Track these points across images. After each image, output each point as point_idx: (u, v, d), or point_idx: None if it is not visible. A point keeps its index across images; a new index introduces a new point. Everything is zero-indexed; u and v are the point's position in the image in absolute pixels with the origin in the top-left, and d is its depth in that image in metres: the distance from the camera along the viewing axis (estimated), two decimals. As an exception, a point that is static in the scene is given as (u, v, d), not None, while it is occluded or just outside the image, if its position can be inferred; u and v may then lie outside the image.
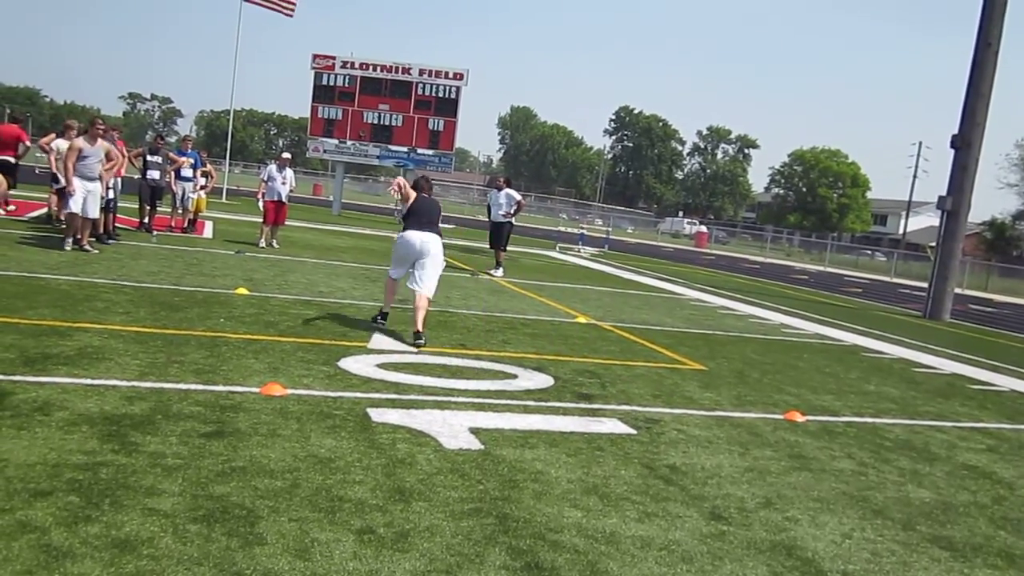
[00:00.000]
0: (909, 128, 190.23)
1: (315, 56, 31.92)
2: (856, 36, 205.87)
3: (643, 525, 4.18)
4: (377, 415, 5.47)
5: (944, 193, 20.49)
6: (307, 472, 4.30)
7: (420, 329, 8.11)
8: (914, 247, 64.90)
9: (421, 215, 8.54)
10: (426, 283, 8.39)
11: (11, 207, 16.44)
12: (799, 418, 6.96)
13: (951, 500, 5.31)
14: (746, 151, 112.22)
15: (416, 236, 8.41)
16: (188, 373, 5.94)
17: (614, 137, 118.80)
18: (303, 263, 14.04)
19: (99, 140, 11.90)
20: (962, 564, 4.24)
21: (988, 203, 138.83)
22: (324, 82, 32.03)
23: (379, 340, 8.04)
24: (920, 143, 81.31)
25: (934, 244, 22.08)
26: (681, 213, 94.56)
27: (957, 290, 22.84)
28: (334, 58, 31.93)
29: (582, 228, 35.93)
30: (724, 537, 4.17)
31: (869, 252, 60.90)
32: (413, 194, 8.62)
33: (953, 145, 20.39)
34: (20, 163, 14.84)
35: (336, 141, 32.48)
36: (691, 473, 5.13)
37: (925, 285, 21.81)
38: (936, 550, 4.38)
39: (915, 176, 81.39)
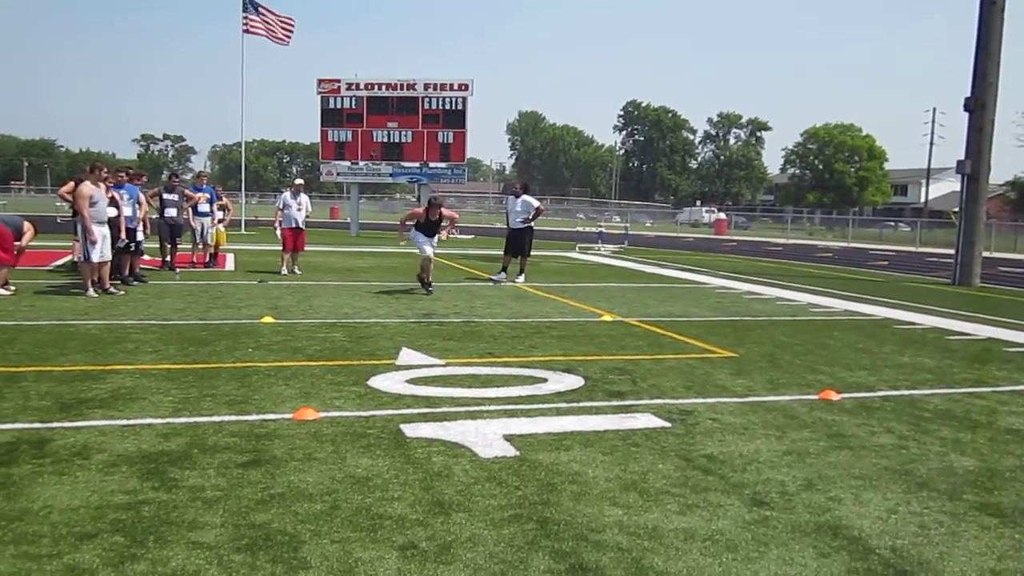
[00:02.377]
0: (922, 95, 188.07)
1: (320, 81, 32.09)
2: (858, 7, 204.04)
3: (685, 517, 4.15)
4: (410, 430, 5.49)
5: (962, 157, 20.27)
6: (345, 493, 4.32)
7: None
8: (937, 214, 64.20)
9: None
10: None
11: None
12: (835, 397, 6.90)
13: (996, 466, 5.23)
14: (758, 134, 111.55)
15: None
16: (221, 405, 5.99)
17: (624, 132, 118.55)
18: (325, 286, 14.12)
19: (102, 184, 12.04)
20: (1012, 530, 4.18)
21: (1009, 162, 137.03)
22: (331, 105, 32.19)
23: (407, 356, 8.07)
24: (934, 109, 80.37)
25: (957, 210, 21.82)
26: (699, 202, 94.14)
27: (985, 254, 22.53)
28: (339, 81, 32.09)
29: (600, 226, 35.85)
30: (768, 522, 4.13)
31: (892, 224, 60.30)
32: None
33: (967, 108, 20.16)
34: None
35: (348, 163, 32.61)
36: (729, 461, 5.10)
37: (952, 252, 21.54)
38: (985, 518, 4.32)
39: (932, 143, 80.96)
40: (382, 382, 6.88)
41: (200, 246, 17.05)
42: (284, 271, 16.02)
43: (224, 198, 18.77)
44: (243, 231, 31.37)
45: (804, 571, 3.61)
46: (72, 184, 15.36)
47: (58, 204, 21.00)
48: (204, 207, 16.78)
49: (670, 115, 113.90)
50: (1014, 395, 7.30)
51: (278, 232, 16.22)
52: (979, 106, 19.86)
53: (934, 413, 6.53)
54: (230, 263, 18.00)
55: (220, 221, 17.77)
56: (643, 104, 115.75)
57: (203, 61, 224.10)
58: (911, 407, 6.69)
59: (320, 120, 32.36)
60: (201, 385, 6.58)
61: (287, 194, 16.39)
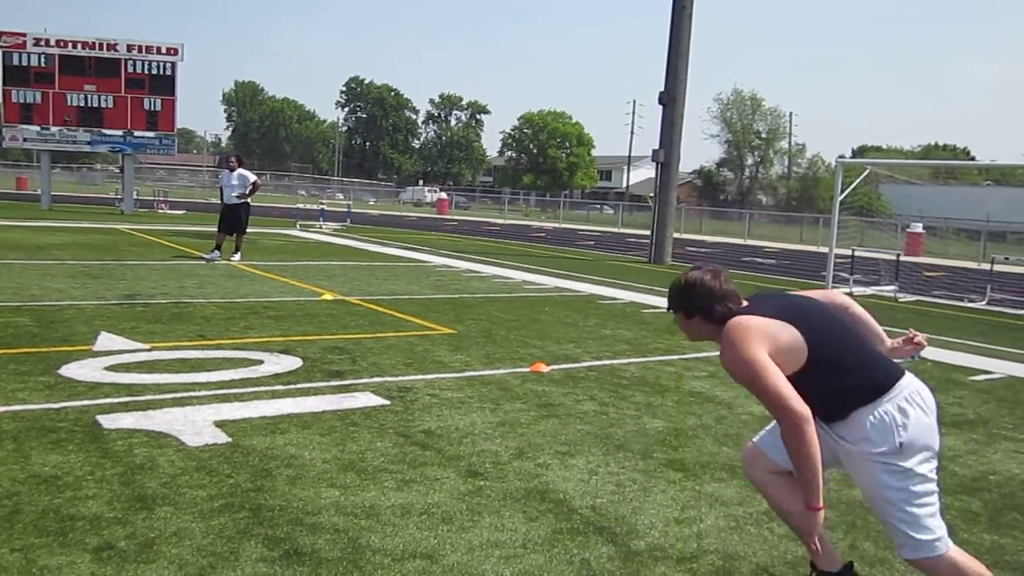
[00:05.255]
0: (626, 87, 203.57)
1: (1, 33, 28.50)
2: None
3: (402, 493, 4.20)
4: (108, 421, 5.05)
5: (657, 147, 22.21)
6: (30, 495, 3.89)
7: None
8: (637, 198, 70.04)
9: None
10: None
11: None
12: (544, 369, 7.29)
13: (681, 426, 5.81)
14: (478, 117, 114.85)
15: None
16: None
17: (347, 109, 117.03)
18: (9, 266, 12.61)
19: None
20: (694, 482, 4.66)
21: (697, 153, 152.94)
22: (16, 62, 28.70)
23: (106, 341, 7.42)
24: (634, 101, 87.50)
25: (653, 194, 23.91)
26: (421, 181, 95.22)
27: (676, 235, 24.94)
28: (25, 35, 28.67)
29: (322, 203, 35.15)
30: (481, 492, 4.29)
31: (598, 206, 64.93)
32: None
33: (661, 101, 22.09)
34: None
35: (37, 128, 29.27)
36: (446, 435, 5.22)
37: (648, 233, 23.61)
38: (671, 472, 4.79)
39: (632, 132, 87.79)
40: (76, 370, 6.28)
41: None
42: (-44, 248, 14.10)
43: None
44: (-97, 202, 27.18)
45: (514, 535, 3.78)
46: None
47: None
48: None
49: (393, 94, 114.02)
50: (697, 361, 8.15)
51: (-52, 204, 14.25)
52: (671, 101, 21.84)
53: (630, 380, 7.12)
54: None
55: None
56: (366, 81, 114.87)
57: None
58: (611, 375, 7.25)
59: (2, 78, 28.77)
60: None
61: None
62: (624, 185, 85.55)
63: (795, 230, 43.46)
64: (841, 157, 18.76)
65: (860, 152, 79.51)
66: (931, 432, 2.90)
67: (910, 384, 2.93)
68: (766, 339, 2.83)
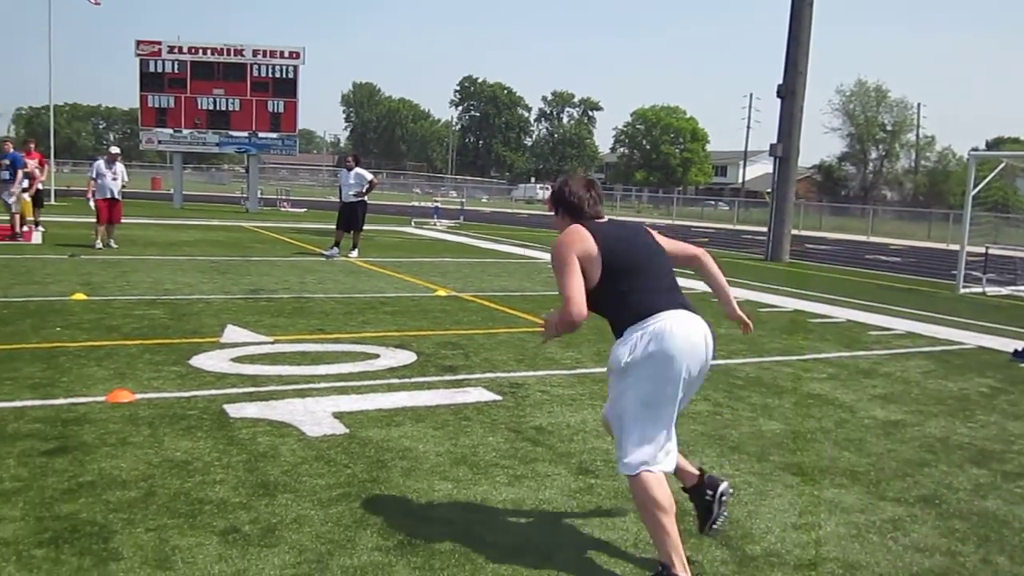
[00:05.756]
0: (741, 81, 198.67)
1: (139, 42, 30.15)
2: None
3: (513, 488, 4.22)
4: (234, 410, 5.28)
5: (775, 141, 21.59)
6: (163, 478, 4.11)
7: None
8: (753, 194, 68.26)
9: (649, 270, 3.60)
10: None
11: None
12: (657, 367, 7.19)
13: (799, 428, 5.63)
14: (590, 114, 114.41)
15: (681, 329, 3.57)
16: (23, 389, 5.55)
17: (460, 108, 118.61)
18: (146, 261, 13.36)
19: None
20: (811, 487, 4.51)
21: (817, 147, 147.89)
22: (151, 69, 30.35)
23: (232, 333, 7.76)
24: (751, 95, 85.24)
25: (770, 190, 23.26)
26: (533, 179, 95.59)
27: (794, 231, 24.16)
28: (160, 43, 30.28)
29: (436, 201, 35.77)
30: (592, 490, 4.27)
31: (712, 203, 63.61)
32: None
33: (779, 94, 21.45)
34: None
35: (171, 130, 30.91)
36: (557, 432, 5.22)
37: (765, 229, 22.97)
38: (788, 476, 4.65)
39: (748, 126, 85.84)
40: (205, 361, 6.59)
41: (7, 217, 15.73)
42: (99, 244, 15.02)
43: (29, 165, 17.35)
44: (53, 202, 29.14)
45: (625, 535, 3.75)
46: None
47: None
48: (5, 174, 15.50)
49: (506, 92, 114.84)
50: (816, 362, 7.88)
51: (91, 203, 15.20)
52: (790, 93, 21.18)
53: (746, 381, 6.95)
54: (37, 236, 16.69)
55: (24, 190, 16.44)
56: (479, 80, 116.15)
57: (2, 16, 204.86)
58: (726, 375, 7.09)
59: (139, 84, 30.48)
60: None
61: (101, 162, 15.35)
62: (740, 180, 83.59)
63: (923, 227, 41.46)
64: (974, 150, 17.82)
65: (995, 144, 75.12)
66: (664, 363, 3.40)
67: (669, 319, 3.48)
68: (582, 247, 3.39)
